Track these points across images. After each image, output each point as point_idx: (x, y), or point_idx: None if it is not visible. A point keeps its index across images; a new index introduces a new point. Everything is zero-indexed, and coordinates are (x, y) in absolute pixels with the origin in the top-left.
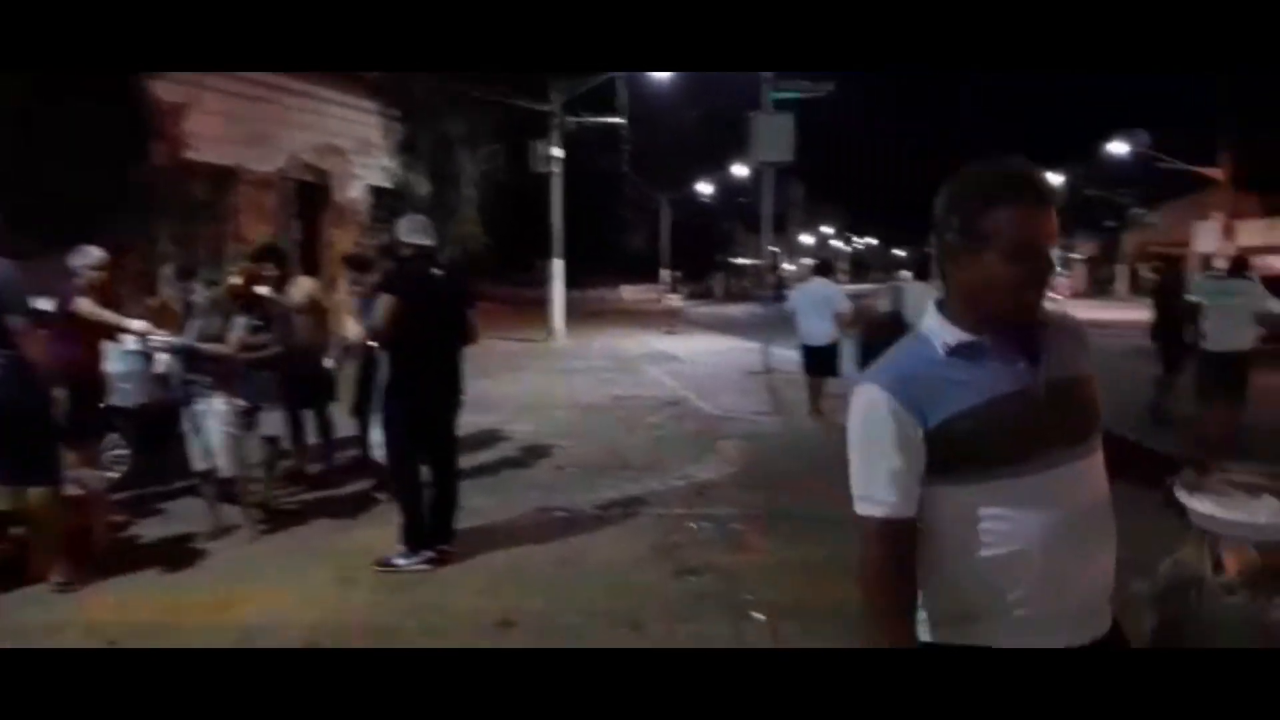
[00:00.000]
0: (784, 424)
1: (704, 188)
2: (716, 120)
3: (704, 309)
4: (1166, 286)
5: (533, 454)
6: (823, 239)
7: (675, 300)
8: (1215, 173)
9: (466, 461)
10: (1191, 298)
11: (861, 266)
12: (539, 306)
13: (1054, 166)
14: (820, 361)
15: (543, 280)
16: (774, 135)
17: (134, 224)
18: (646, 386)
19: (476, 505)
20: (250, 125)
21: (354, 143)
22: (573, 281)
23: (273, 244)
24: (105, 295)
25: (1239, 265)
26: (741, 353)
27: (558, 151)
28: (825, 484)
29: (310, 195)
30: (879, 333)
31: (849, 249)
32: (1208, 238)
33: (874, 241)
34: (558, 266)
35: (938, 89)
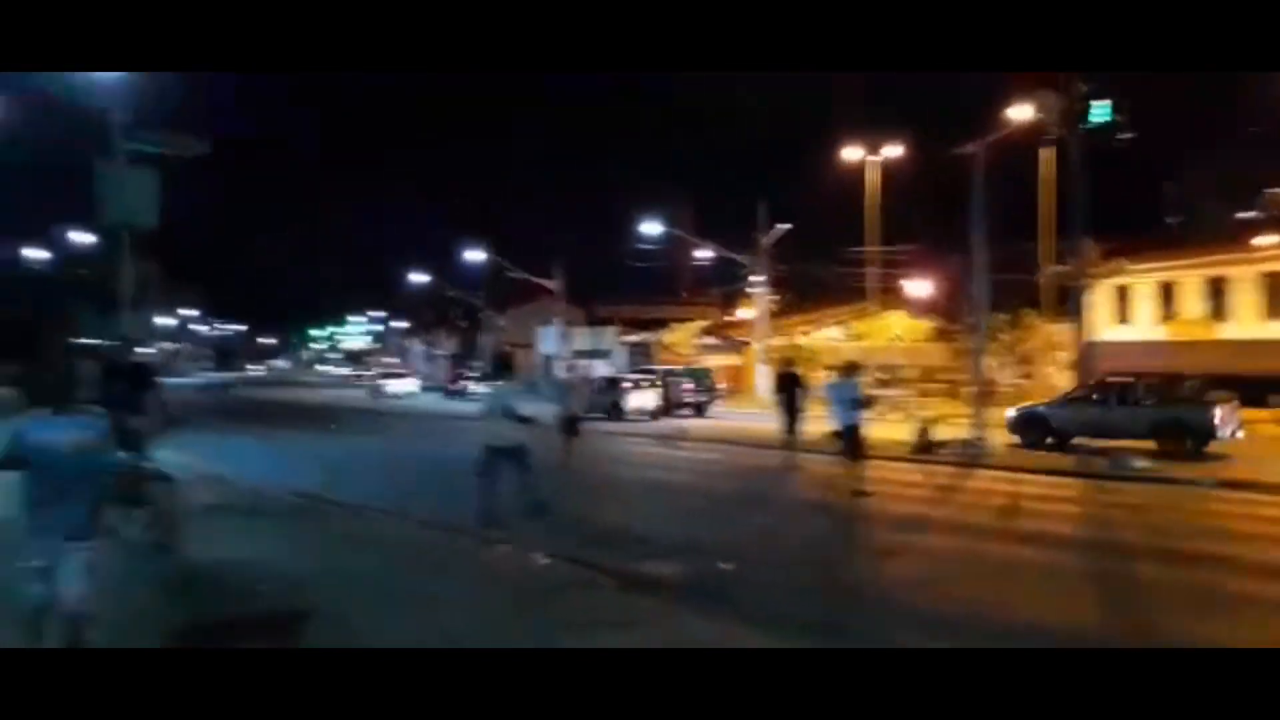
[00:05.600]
0: None
1: (37, 253)
2: (51, 166)
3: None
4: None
5: None
6: (184, 321)
7: None
8: (552, 284)
9: None
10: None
11: (228, 354)
12: None
13: (418, 267)
14: None
15: None
16: (133, 193)
17: None
18: None
19: None
20: None
21: None
22: None
23: None
24: None
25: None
26: None
27: None
28: None
29: None
30: None
31: (212, 334)
32: (550, 340)
33: (241, 327)
34: None
35: (313, 170)
